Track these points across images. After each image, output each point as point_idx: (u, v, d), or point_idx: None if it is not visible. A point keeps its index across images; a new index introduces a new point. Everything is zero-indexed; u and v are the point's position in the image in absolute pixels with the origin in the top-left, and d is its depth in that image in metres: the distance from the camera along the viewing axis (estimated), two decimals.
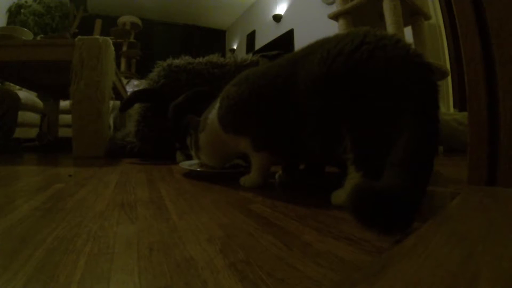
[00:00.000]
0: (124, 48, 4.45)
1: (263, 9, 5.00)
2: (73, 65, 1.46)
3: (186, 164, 0.93)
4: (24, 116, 2.40)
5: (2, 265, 0.28)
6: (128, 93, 2.62)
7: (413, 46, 0.51)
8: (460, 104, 2.25)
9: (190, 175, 0.91)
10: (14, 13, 3.26)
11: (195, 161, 0.97)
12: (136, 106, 1.49)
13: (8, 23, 3.25)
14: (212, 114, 0.77)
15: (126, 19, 4.61)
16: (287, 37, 4.22)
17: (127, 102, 1.43)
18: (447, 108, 2.24)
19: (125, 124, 2.23)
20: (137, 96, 1.44)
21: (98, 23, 3.56)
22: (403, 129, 0.44)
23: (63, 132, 2.45)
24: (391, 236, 0.35)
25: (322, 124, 0.54)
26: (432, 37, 2.22)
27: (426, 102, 0.45)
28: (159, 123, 1.38)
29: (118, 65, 3.70)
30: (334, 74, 0.50)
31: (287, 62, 0.62)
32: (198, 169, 0.88)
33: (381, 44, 0.48)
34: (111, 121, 2.38)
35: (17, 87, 2.31)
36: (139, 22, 4.73)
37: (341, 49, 0.51)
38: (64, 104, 2.51)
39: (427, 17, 1.81)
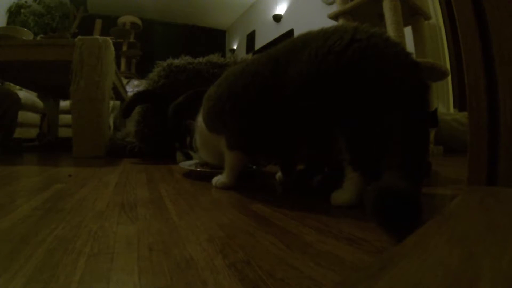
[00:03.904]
0: (124, 48, 4.46)
1: (263, 9, 4.99)
2: (73, 65, 1.46)
3: (186, 164, 0.93)
4: (24, 116, 2.40)
5: (2, 265, 0.28)
6: (128, 93, 2.63)
7: (402, 44, 0.51)
8: (460, 104, 2.25)
9: (190, 175, 0.91)
10: (14, 13, 3.25)
11: (195, 161, 0.97)
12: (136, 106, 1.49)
13: (8, 23, 3.24)
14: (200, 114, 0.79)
15: (126, 19, 4.61)
16: (287, 37, 4.20)
17: (129, 106, 1.42)
18: (447, 108, 2.24)
19: (125, 124, 2.23)
20: (138, 98, 1.44)
21: (98, 23, 3.56)
22: (396, 127, 0.44)
23: (63, 132, 2.45)
24: (391, 236, 0.36)
25: (314, 125, 0.54)
26: (432, 37, 2.22)
27: (417, 100, 0.46)
28: (159, 123, 1.38)
29: (118, 65, 3.70)
30: (325, 74, 0.49)
31: (268, 60, 0.59)
32: (198, 169, 0.88)
33: (372, 42, 0.48)
34: (111, 121, 2.38)
35: (17, 87, 2.31)
36: (139, 22, 4.72)
37: (331, 47, 0.49)
38: (64, 104, 2.51)
39: (427, 17, 1.81)
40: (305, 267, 0.28)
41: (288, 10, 4.37)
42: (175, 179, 0.84)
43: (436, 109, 1.45)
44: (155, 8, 5.44)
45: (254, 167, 0.91)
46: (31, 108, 2.55)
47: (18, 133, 1.98)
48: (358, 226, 0.41)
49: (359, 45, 0.47)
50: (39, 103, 2.60)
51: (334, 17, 1.79)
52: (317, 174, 0.75)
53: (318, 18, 3.01)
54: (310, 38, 0.54)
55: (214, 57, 1.54)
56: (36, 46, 1.51)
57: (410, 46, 1.71)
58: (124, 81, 2.91)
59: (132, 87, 3.23)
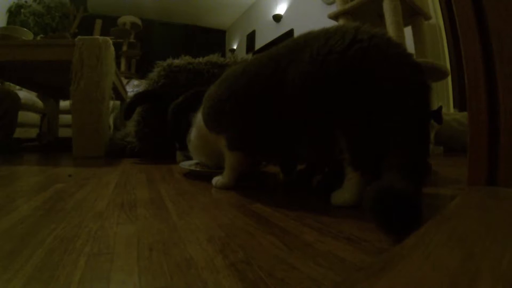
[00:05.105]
0: (124, 48, 4.46)
1: (263, 9, 4.99)
2: (73, 65, 1.46)
3: (186, 164, 0.93)
4: (24, 116, 2.40)
5: (2, 265, 0.28)
6: (128, 93, 2.63)
7: (404, 45, 0.51)
8: (460, 104, 2.25)
9: (190, 175, 0.91)
10: (14, 13, 3.26)
11: (195, 161, 0.97)
12: None
13: (8, 23, 3.25)
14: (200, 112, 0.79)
15: (126, 19, 4.61)
16: (287, 37, 4.18)
17: (130, 107, 1.42)
18: (447, 108, 2.23)
19: (125, 124, 2.23)
20: (138, 99, 1.44)
21: (98, 23, 3.56)
22: (397, 128, 0.44)
23: (63, 132, 2.45)
24: (391, 236, 0.36)
25: (314, 125, 0.54)
26: (432, 37, 2.22)
27: (418, 101, 0.46)
28: (159, 123, 1.38)
29: (118, 65, 3.71)
30: (326, 74, 0.49)
31: (269, 60, 0.59)
32: (198, 169, 0.88)
33: (373, 43, 0.47)
34: (111, 121, 2.38)
35: (17, 87, 2.31)
36: (139, 22, 4.72)
37: (332, 47, 0.49)
38: (64, 104, 2.51)
39: (427, 17, 1.81)
40: (305, 267, 0.28)
41: (288, 10, 4.37)
42: (175, 179, 0.84)
43: (440, 107, 1.45)
44: (155, 8, 5.43)
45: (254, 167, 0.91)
46: (31, 108, 2.55)
47: (18, 133, 1.98)
48: (358, 226, 0.41)
49: (361, 46, 0.47)
50: (39, 103, 2.60)
51: (334, 17, 1.79)
52: (317, 174, 0.75)
53: (318, 18, 3.02)
54: (311, 38, 0.54)
55: (214, 57, 1.54)
56: (36, 46, 1.51)
57: (410, 46, 1.71)
58: (124, 81, 2.91)
59: (132, 87, 3.23)
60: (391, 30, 1.46)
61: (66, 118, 2.44)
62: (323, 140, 0.55)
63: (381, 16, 1.54)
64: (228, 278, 0.26)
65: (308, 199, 0.60)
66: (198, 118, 0.78)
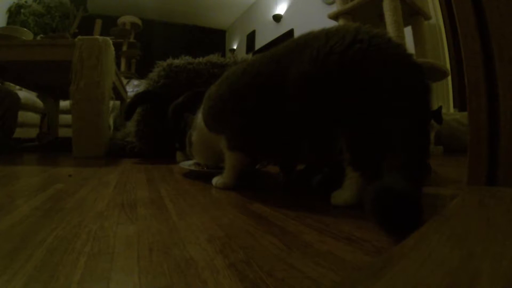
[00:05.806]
0: (124, 48, 4.45)
1: (263, 9, 4.99)
2: (73, 65, 1.46)
3: (186, 164, 0.93)
4: (24, 116, 2.40)
5: (2, 265, 0.28)
6: (128, 93, 2.63)
7: (404, 45, 0.51)
8: (460, 104, 2.25)
9: (190, 175, 0.91)
10: (14, 13, 3.25)
11: (195, 161, 0.97)
12: None
13: (8, 23, 3.24)
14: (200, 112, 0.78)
15: (126, 19, 4.60)
16: (287, 37, 4.19)
17: (130, 108, 1.42)
18: (447, 108, 2.24)
19: (125, 124, 2.23)
20: (138, 99, 1.44)
21: (98, 23, 3.56)
22: (397, 128, 0.44)
23: (63, 132, 2.45)
24: (391, 236, 0.36)
25: (314, 125, 0.54)
26: (432, 37, 2.22)
27: (418, 102, 0.46)
28: (159, 123, 1.38)
29: (118, 65, 3.70)
30: (326, 74, 0.49)
31: (269, 60, 0.59)
32: (198, 169, 0.88)
33: (374, 43, 0.47)
34: (111, 121, 2.38)
35: (17, 87, 2.31)
36: (139, 22, 4.72)
37: (333, 48, 0.49)
38: (64, 104, 2.51)
39: (427, 17, 1.81)
40: (305, 267, 0.28)
41: (288, 10, 4.37)
42: (175, 179, 0.84)
43: (440, 107, 1.45)
44: (155, 8, 5.43)
45: (257, 167, 0.91)
46: (31, 108, 2.55)
47: (18, 133, 1.98)
48: (358, 226, 0.41)
49: (361, 46, 0.47)
50: (39, 103, 2.60)
51: (334, 17, 1.79)
52: (317, 174, 0.75)
53: (318, 18, 3.02)
54: (311, 38, 0.54)
55: (214, 57, 1.54)
56: (36, 46, 1.51)
57: (410, 46, 1.71)
58: (124, 81, 2.91)
59: (132, 87, 3.23)
60: (391, 30, 1.46)
61: (66, 118, 2.44)
62: (323, 140, 0.55)
63: (381, 16, 1.54)
64: (228, 278, 0.26)
65: (308, 199, 0.60)
66: (199, 118, 0.78)
